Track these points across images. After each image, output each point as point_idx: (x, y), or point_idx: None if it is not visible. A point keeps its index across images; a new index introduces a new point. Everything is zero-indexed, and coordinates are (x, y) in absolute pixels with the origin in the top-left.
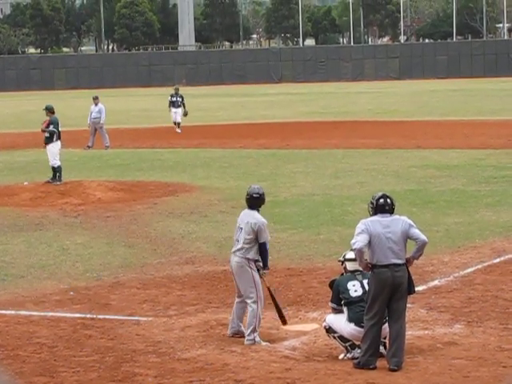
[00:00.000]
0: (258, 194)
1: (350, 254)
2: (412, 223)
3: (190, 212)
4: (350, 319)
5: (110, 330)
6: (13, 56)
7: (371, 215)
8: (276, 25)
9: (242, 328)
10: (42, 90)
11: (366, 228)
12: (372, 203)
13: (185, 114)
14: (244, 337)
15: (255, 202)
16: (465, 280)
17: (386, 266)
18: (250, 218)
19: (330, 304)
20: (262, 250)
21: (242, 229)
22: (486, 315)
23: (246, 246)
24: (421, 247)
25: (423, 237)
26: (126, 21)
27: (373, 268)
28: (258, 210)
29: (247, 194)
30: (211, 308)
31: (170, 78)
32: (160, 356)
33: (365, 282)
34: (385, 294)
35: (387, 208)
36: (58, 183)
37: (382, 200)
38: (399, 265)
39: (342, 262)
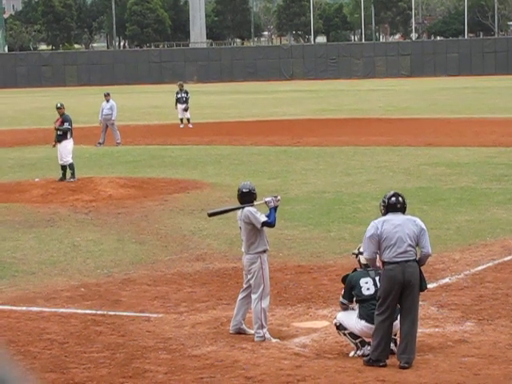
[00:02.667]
0: (247, 189)
1: None
2: (425, 228)
3: (201, 209)
4: (361, 316)
5: (121, 326)
6: (24, 52)
7: (383, 214)
8: (287, 22)
9: (244, 326)
10: (53, 87)
11: (375, 231)
12: (384, 202)
13: (185, 109)
14: (246, 334)
15: (245, 197)
16: (475, 278)
17: (397, 263)
18: (240, 213)
19: (340, 299)
20: (270, 225)
21: (240, 228)
22: (497, 313)
23: (251, 239)
24: (423, 258)
25: (429, 248)
26: (138, 18)
27: (383, 265)
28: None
29: (238, 191)
30: (222, 305)
31: (181, 74)
32: (170, 353)
33: (377, 278)
34: (395, 290)
35: (399, 206)
36: (72, 180)
37: (393, 198)
38: (410, 261)
39: (356, 255)
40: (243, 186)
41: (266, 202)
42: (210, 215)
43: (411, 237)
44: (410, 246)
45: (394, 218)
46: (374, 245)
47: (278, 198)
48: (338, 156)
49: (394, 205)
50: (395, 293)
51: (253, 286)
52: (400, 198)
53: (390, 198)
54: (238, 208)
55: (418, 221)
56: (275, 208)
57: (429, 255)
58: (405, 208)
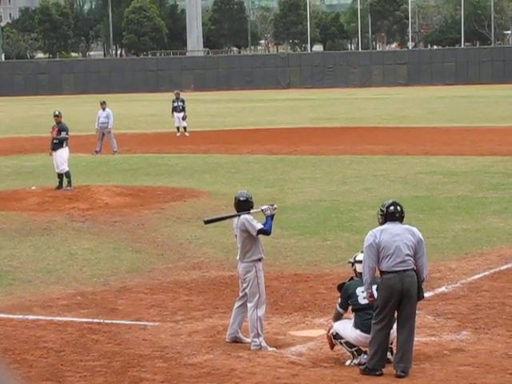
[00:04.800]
0: (244, 197)
1: (361, 256)
2: (422, 238)
3: (198, 217)
4: (356, 325)
5: (117, 334)
6: (21, 61)
7: (381, 223)
8: (284, 30)
9: (240, 334)
10: (50, 95)
11: (373, 241)
12: (382, 211)
13: (183, 118)
14: (242, 343)
15: (242, 205)
16: (472, 287)
17: (395, 272)
18: (236, 221)
19: (337, 308)
20: (266, 233)
21: (236, 236)
22: (493, 322)
23: (246, 248)
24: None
25: (425, 260)
26: (135, 26)
27: (382, 274)
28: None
29: (235, 199)
30: (218, 313)
31: (177, 83)
32: (167, 361)
33: (373, 287)
34: (394, 299)
35: (397, 215)
36: (69, 189)
37: (392, 207)
38: (408, 270)
39: (353, 264)
40: (240, 194)
41: (262, 211)
42: (206, 222)
43: (409, 246)
44: (408, 255)
45: (393, 228)
46: (374, 254)
47: (275, 206)
48: (335, 164)
49: (393, 214)
50: (393, 302)
51: (248, 295)
52: (398, 207)
53: (388, 207)
54: (235, 216)
55: (416, 231)
56: (272, 216)
57: (424, 267)
58: (403, 217)
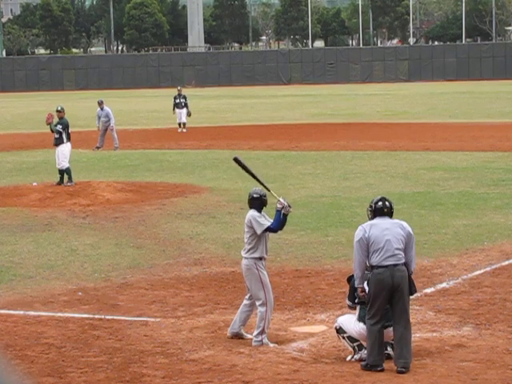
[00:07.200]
0: (258, 194)
1: None
2: (412, 232)
3: (199, 213)
4: (360, 318)
5: (118, 330)
6: (22, 57)
7: (370, 219)
8: (285, 26)
9: (243, 331)
10: (51, 91)
11: (363, 235)
12: (371, 206)
13: (188, 115)
14: (243, 339)
15: (254, 202)
16: (473, 282)
17: (385, 267)
18: (246, 217)
19: (346, 301)
20: (273, 230)
21: (245, 231)
22: (495, 318)
23: (251, 245)
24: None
25: (413, 253)
26: (136, 22)
27: (372, 269)
28: (259, 211)
29: (248, 196)
30: (219, 309)
31: (179, 79)
32: (168, 357)
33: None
34: (384, 294)
35: (386, 211)
36: (70, 184)
37: (380, 203)
38: (398, 265)
39: None
40: (254, 191)
41: (278, 200)
42: (236, 160)
43: (399, 240)
44: (398, 249)
45: (382, 222)
46: (364, 248)
47: (290, 210)
48: (336, 160)
49: (381, 209)
50: (384, 296)
51: (254, 293)
52: (387, 203)
53: (376, 203)
54: (260, 182)
55: (406, 225)
56: (282, 213)
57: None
58: (392, 212)
